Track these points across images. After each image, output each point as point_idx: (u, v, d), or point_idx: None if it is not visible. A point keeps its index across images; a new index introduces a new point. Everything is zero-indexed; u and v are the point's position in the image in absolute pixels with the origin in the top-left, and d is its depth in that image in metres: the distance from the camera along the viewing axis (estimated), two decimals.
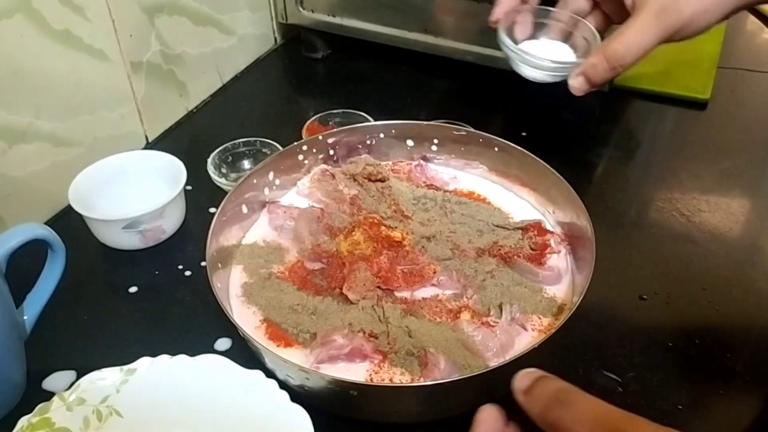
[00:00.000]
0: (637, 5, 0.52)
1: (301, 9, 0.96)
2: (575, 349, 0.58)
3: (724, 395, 0.55)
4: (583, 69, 0.55)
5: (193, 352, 0.51)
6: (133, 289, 0.65)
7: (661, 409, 0.54)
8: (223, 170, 0.76)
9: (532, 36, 0.63)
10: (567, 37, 0.61)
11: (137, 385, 0.49)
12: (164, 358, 0.50)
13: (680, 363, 0.57)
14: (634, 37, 0.52)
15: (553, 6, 0.62)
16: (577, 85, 0.56)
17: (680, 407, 0.54)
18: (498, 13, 0.60)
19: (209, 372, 0.49)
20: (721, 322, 0.61)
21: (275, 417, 0.46)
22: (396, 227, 0.58)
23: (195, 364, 0.50)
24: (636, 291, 0.63)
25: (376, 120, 0.75)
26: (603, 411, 0.32)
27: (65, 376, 0.56)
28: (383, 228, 0.57)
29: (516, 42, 0.62)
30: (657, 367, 0.56)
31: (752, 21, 1.12)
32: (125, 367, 0.50)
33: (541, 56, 0.60)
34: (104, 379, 0.49)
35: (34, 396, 0.53)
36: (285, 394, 0.47)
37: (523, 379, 0.36)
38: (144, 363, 0.50)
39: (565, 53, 0.62)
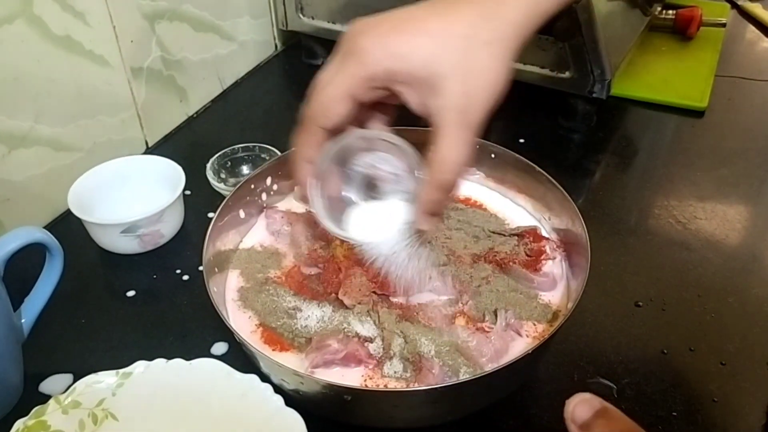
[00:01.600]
0: (431, 116, 0.47)
1: (301, 16, 0.97)
2: (570, 355, 0.58)
3: (719, 402, 0.55)
4: (426, 210, 0.49)
5: (190, 356, 0.51)
6: (131, 293, 0.65)
7: (656, 415, 0.54)
8: (222, 175, 0.76)
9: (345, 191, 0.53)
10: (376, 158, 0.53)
11: (133, 388, 0.49)
12: (160, 362, 0.50)
13: (675, 370, 0.57)
14: (452, 155, 0.46)
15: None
16: (430, 224, 0.50)
17: (675, 414, 0.54)
18: (306, 189, 0.51)
19: (205, 376, 0.50)
20: (717, 330, 0.61)
21: (270, 421, 0.46)
22: None
23: (190, 368, 0.50)
24: (632, 297, 0.64)
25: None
26: None
27: (62, 379, 0.57)
28: None
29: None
30: (652, 374, 0.57)
31: (750, 30, 1.13)
32: (121, 371, 0.50)
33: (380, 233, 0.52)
34: (100, 382, 0.49)
35: (31, 399, 0.53)
36: (280, 399, 0.47)
37: (580, 407, 0.31)
38: (140, 367, 0.50)
39: (389, 200, 0.53)
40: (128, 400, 0.49)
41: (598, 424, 0.30)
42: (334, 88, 0.47)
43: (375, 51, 0.46)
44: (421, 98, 0.46)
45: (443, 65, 0.45)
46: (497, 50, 0.46)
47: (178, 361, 0.50)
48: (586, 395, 0.32)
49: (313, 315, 0.53)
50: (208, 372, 0.50)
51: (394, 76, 0.46)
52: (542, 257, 0.57)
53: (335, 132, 0.49)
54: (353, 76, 0.46)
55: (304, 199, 0.52)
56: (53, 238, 0.54)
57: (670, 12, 1.03)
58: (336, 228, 0.51)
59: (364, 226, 0.52)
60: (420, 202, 0.48)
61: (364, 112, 0.50)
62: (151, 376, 0.50)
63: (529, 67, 0.84)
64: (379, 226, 0.52)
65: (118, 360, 0.51)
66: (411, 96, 0.47)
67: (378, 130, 0.52)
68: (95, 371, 0.50)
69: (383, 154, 0.51)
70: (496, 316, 0.52)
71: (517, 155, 0.63)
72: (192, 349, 0.58)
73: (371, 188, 0.53)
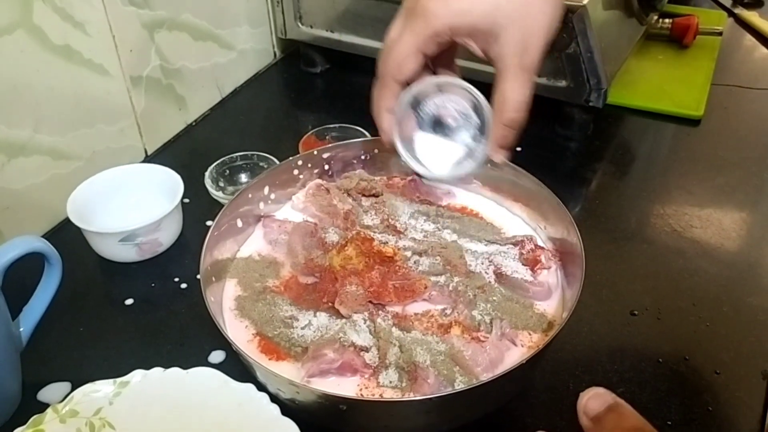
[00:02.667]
0: (495, 61, 0.54)
1: (300, 24, 0.98)
2: (566, 364, 0.58)
3: (714, 412, 0.55)
4: (498, 144, 0.56)
5: (187, 365, 0.51)
6: (129, 302, 0.66)
7: (651, 425, 0.54)
8: (221, 184, 0.77)
9: (422, 128, 0.60)
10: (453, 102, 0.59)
11: (130, 397, 0.49)
12: (157, 371, 0.50)
13: (670, 379, 0.57)
14: (516, 95, 0.53)
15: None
16: (502, 157, 0.57)
17: (670, 423, 0.54)
18: (388, 134, 0.59)
19: (202, 385, 0.50)
20: (712, 339, 0.61)
21: (266, 430, 0.47)
22: (388, 242, 0.59)
23: (188, 377, 0.50)
24: (627, 306, 0.64)
25: (373, 135, 0.76)
26: None
27: (60, 387, 0.57)
28: (375, 243, 0.58)
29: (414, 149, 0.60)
30: (647, 383, 0.57)
31: (747, 38, 1.13)
32: (118, 380, 0.50)
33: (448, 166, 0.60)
34: (98, 391, 0.49)
35: (30, 408, 0.53)
36: (276, 408, 0.47)
37: (593, 401, 0.32)
38: (137, 376, 0.50)
39: (459, 139, 0.59)
40: (125, 409, 0.49)
41: (609, 418, 0.31)
42: (403, 46, 0.54)
43: (438, 10, 0.52)
44: (484, 47, 0.53)
45: (502, 16, 0.51)
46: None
47: (175, 370, 0.51)
48: (600, 390, 0.32)
49: (309, 324, 0.53)
50: (205, 381, 0.50)
51: (458, 31, 0.53)
52: (537, 266, 0.57)
53: (408, 83, 0.57)
54: (420, 34, 0.53)
55: (389, 145, 0.60)
56: (52, 247, 0.55)
57: (667, 21, 1.04)
58: (420, 167, 0.59)
59: (440, 163, 0.60)
60: (491, 137, 0.56)
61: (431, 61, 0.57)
62: (148, 385, 0.50)
63: None
64: (451, 161, 0.59)
65: (116, 368, 0.52)
66: (475, 46, 0.54)
67: (445, 76, 0.58)
68: (93, 380, 0.50)
69: (452, 96, 0.58)
70: (491, 325, 0.52)
71: (513, 164, 0.63)
72: (190, 357, 0.58)
73: (442, 128, 0.60)
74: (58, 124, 0.72)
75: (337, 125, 0.82)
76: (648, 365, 0.58)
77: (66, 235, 0.71)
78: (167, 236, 0.69)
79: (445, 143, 0.60)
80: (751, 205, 0.77)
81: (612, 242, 0.72)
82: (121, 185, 0.72)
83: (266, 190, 0.63)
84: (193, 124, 0.93)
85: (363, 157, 0.68)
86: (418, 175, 0.62)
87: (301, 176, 0.66)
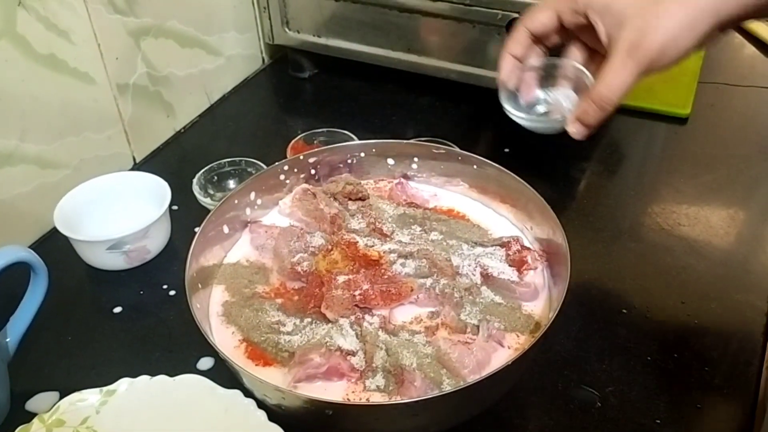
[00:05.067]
0: (611, 44, 0.57)
1: (287, 30, 0.98)
2: (555, 364, 0.58)
3: (702, 409, 0.55)
4: (577, 115, 0.59)
5: (176, 372, 0.51)
6: (117, 310, 0.65)
7: (640, 423, 0.54)
8: (209, 190, 0.77)
9: (541, 86, 0.65)
10: (572, 83, 0.64)
11: (117, 406, 0.50)
12: (143, 379, 0.50)
13: (659, 377, 0.58)
14: (612, 78, 0.56)
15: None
16: (575, 130, 0.60)
17: (658, 421, 0.54)
18: (504, 73, 0.64)
19: (188, 392, 0.50)
20: (700, 336, 0.61)
21: None
22: (374, 246, 0.59)
23: (174, 384, 0.50)
24: (616, 305, 0.64)
25: (361, 138, 0.76)
26: None
27: (49, 397, 0.57)
28: (361, 247, 0.58)
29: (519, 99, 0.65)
30: (636, 381, 0.57)
31: (734, 36, 1.13)
32: (105, 389, 0.50)
33: (533, 113, 0.65)
34: (84, 400, 0.50)
35: (18, 418, 0.53)
36: (263, 414, 0.47)
37: None
38: (123, 384, 0.50)
39: (565, 101, 0.64)
40: (112, 418, 0.49)
41: None
42: (545, 3, 0.61)
43: None
44: (608, 28, 0.57)
45: (631, 7, 0.55)
46: (687, 9, 0.54)
47: (161, 378, 0.51)
48: None
49: (296, 329, 0.53)
50: (192, 388, 0.50)
51: (593, 5, 0.57)
52: (524, 267, 0.57)
53: (537, 39, 0.63)
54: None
55: (502, 83, 0.65)
56: (37, 256, 0.55)
57: None
58: (513, 110, 0.64)
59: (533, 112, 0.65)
60: (576, 107, 0.59)
61: (565, 37, 0.63)
62: (135, 393, 0.50)
63: None
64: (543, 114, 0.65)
65: (105, 376, 0.52)
66: (601, 25, 0.57)
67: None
68: (82, 388, 0.50)
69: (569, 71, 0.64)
70: (478, 327, 0.52)
71: (499, 166, 0.63)
72: (178, 364, 0.58)
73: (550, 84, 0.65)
74: (45, 133, 0.72)
75: (324, 129, 0.82)
76: (637, 363, 0.59)
77: (54, 244, 0.71)
78: (155, 243, 0.69)
79: (542, 103, 0.66)
80: (739, 203, 0.77)
81: (600, 241, 0.72)
82: (108, 193, 0.72)
83: (253, 195, 0.63)
84: (182, 130, 0.93)
85: (349, 161, 0.68)
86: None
87: (287, 181, 0.66)
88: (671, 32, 0.54)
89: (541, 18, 0.61)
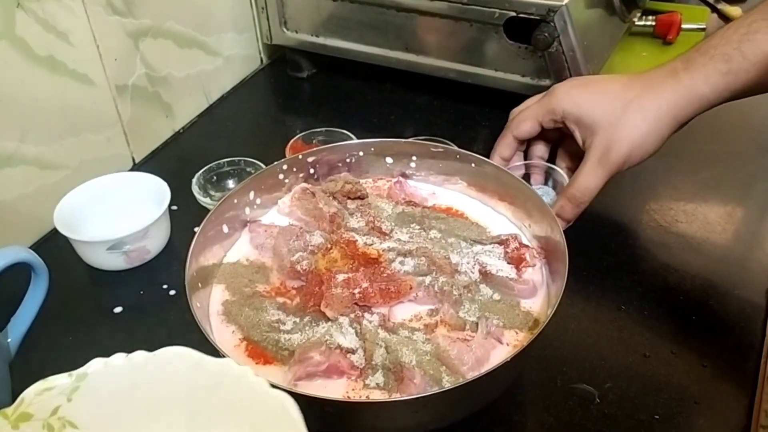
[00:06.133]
0: (586, 149, 0.66)
1: (285, 30, 0.98)
2: (553, 360, 0.59)
3: (701, 405, 0.55)
4: (556, 211, 0.65)
5: None
6: (118, 310, 0.66)
7: (638, 419, 0.54)
8: (209, 190, 0.77)
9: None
10: (551, 181, 0.74)
11: (91, 390, 0.43)
12: (119, 357, 0.44)
13: (657, 373, 0.58)
14: (585, 181, 0.65)
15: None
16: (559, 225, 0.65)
17: (657, 417, 0.54)
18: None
19: (172, 367, 0.44)
20: (698, 332, 0.62)
21: (255, 407, 0.42)
22: (373, 244, 0.59)
23: (155, 360, 0.44)
24: (614, 301, 0.64)
25: (360, 137, 0.76)
26: None
27: None
28: (360, 245, 0.58)
29: None
30: (634, 378, 0.57)
31: None
32: (75, 372, 0.43)
33: None
34: (51, 388, 0.43)
35: None
36: (263, 381, 0.42)
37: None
38: (96, 365, 0.44)
39: (546, 196, 0.72)
40: (87, 404, 0.43)
41: None
42: (528, 111, 0.71)
43: (562, 95, 0.68)
44: (583, 136, 0.66)
45: (601, 119, 0.64)
46: (649, 119, 0.63)
47: (139, 354, 0.44)
48: None
49: (296, 327, 0.53)
50: (175, 362, 0.44)
51: (569, 116, 0.67)
52: (522, 264, 0.57)
53: (521, 140, 0.73)
54: (542, 108, 0.69)
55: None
56: (38, 257, 0.55)
57: (650, 18, 1.04)
58: None
59: None
60: (555, 204, 0.67)
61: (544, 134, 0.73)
62: (110, 374, 0.44)
63: (510, 76, 0.85)
64: None
65: None
66: (577, 132, 0.67)
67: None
68: None
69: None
70: (477, 324, 0.53)
71: (496, 164, 0.64)
72: None
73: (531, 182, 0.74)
74: (45, 135, 0.72)
75: (323, 129, 0.82)
76: (635, 360, 0.59)
77: (55, 244, 0.71)
78: (155, 243, 0.69)
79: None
80: (736, 199, 0.78)
81: (598, 238, 0.72)
82: (108, 194, 0.72)
83: (252, 195, 0.64)
84: (181, 131, 0.93)
85: (348, 160, 0.68)
86: None
87: (286, 181, 0.66)
88: (636, 141, 0.63)
89: (525, 127, 0.71)
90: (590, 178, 0.64)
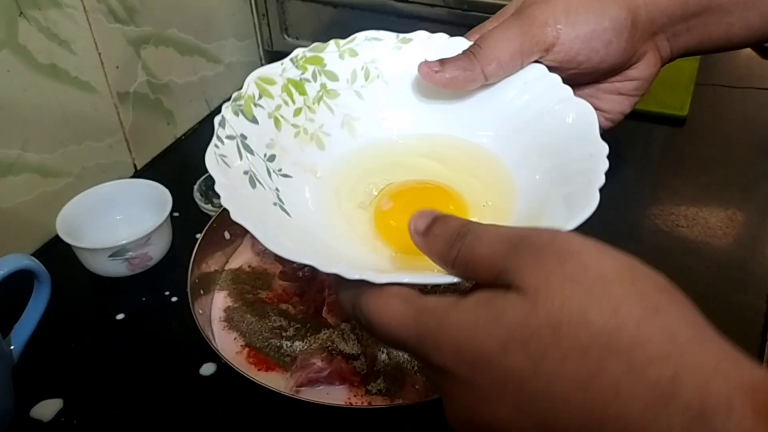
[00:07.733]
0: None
1: (286, 37, 0.99)
2: None
3: None
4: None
5: (179, 377, 0.52)
6: (120, 316, 0.66)
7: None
8: (210, 197, 0.77)
9: None
10: None
11: (407, 56, 0.46)
12: (441, 36, 0.47)
13: None
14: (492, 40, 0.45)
15: None
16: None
17: None
18: None
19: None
20: None
21: (557, 111, 0.44)
22: None
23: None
24: None
25: None
26: (505, 230, 0.30)
27: (53, 404, 0.57)
28: None
29: None
30: None
31: None
32: (401, 35, 0.48)
33: None
34: (380, 39, 0.47)
35: (22, 425, 0.53)
36: (568, 89, 0.44)
37: (418, 220, 0.33)
38: (421, 36, 0.48)
39: None
40: (400, 67, 0.47)
41: (435, 225, 0.32)
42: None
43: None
44: None
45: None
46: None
47: (458, 40, 0.47)
48: (425, 210, 0.34)
49: (297, 334, 0.53)
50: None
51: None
52: None
53: None
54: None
55: None
56: (40, 264, 0.55)
57: None
58: None
59: None
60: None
61: None
62: (428, 48, 0.47)
63: None
64: None
65: (109, 383, 0.52)
66: None
67: None
68: (86, 395, 0.50)
69: None
70: None
71: None
72: (181, 369, 0.59)
73: None
74: (47, 142, 0.72)
75: None
76: None
77: (57, 251, 0.71)
78: (157, 250, 0.69)
79: None
80: (737, 203, 0.78)
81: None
82: (110, 201, 0.72)
83: None
84: (182, 137, 0.93)
85: None
86: None
87: None
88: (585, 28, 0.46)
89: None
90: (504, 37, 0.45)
